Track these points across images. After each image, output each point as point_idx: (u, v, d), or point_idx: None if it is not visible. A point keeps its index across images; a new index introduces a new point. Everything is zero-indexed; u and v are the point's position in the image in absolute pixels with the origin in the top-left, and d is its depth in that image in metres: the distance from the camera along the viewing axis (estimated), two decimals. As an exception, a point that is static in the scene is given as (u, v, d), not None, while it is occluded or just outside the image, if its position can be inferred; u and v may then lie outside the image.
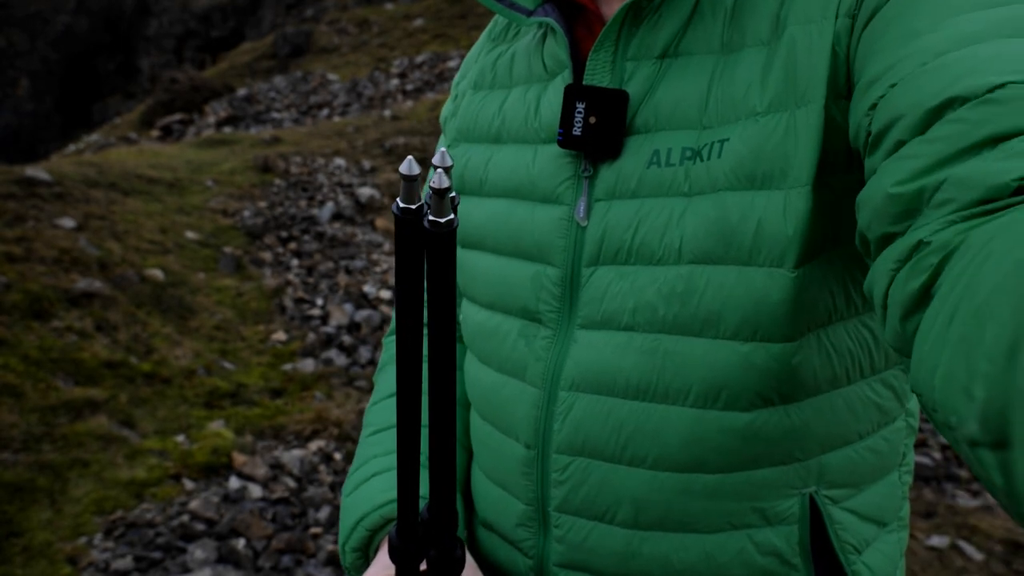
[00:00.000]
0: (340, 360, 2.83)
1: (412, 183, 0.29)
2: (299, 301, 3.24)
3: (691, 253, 0.46)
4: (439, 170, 0.29)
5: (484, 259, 0.55)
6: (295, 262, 3.59)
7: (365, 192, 4.48)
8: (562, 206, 0.51)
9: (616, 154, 0.49)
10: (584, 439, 0.49)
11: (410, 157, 0.29)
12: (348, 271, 3.55)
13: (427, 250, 0.31)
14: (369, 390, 2.62)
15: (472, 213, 0.58)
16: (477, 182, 0.56)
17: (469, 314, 0.56)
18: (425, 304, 0.33)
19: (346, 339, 2.96)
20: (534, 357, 0.52)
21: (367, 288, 3.35)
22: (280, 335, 2.97)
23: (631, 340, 0.48)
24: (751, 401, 0.46)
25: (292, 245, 3.76)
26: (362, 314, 3.12)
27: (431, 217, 0.30)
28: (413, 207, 0.30)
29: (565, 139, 0.49)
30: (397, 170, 5.00)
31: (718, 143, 0.45)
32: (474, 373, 0.57)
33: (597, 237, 0.50)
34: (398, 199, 0.30)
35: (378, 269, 3.59)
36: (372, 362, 2.81)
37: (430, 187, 0.30)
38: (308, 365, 2.77)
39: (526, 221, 0.53)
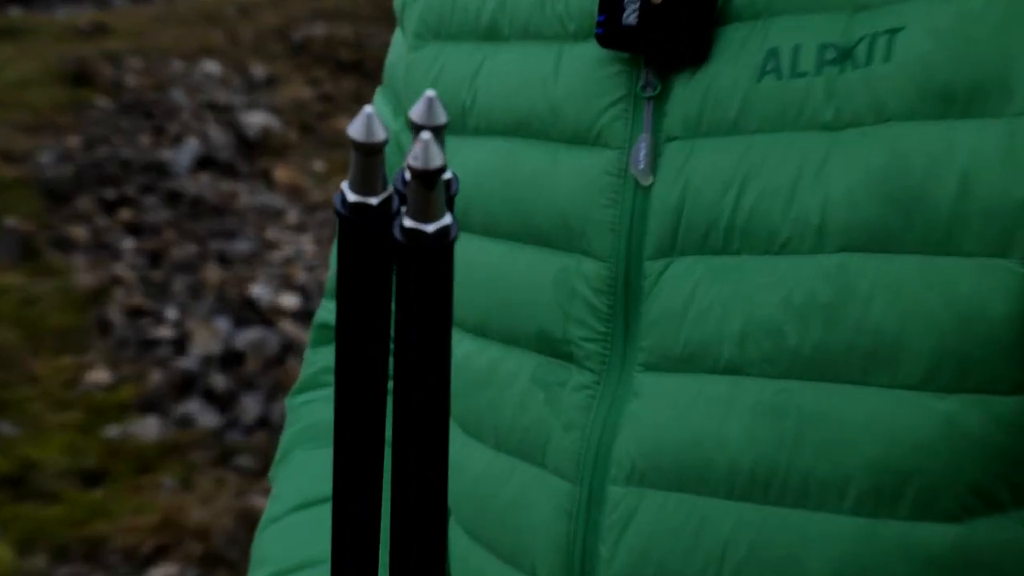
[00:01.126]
0: (206, 418, 2.82)
1: (371, 157, 0.30)
2: (135, 312, 3.21)
3: (842, 232, 0.47)
4: (423, 135, 0.29)
5: (468, 247, 0.57)
6: (129, 243, 3.56)
7: (255, 121, 4.54)
8: (607, 151, 0.53)
9: (701, 57, 0.50)
10: (656, 574, 0.51)
11: (368, 110, 0.29)
12: (223, 260, 3.53)
13: (401, 276, 0.31)
14: (257, 475, 2.61)
15: (449, 164, 0.52)
16: (458, 110, 0.59)
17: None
18: (391, 358, 0.33)
19: (218, 381, 2.94)
20: (562, 423, 0.54)
21: (257, 290, 3.34)
22: (101, 373, 2.94)
23: (738, 391, 0.50)
24: (960, 501, 0.47)
25: (125, 213, 3.74)
26: (247, 336, 3.11)
27: (409, 222, 0.30)
28: (372, 200, 0.30)
29: (608, 32, 0.51)
30: (313, 85, 5.05)
31: (884, 35, 0.47)
32: (452, 453, 0.56)
33: (672, 205, 0.51)
34: (344, 185, 0.30)
35: (277, 256, 3.58)
36: (266, 424, 2.82)
37: (408, 165, 0.30)
38: (150, 427, 2.77)
39: (543, 178, 0.54)
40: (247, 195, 3.95)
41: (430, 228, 0.30)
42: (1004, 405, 0.46)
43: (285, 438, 0.73)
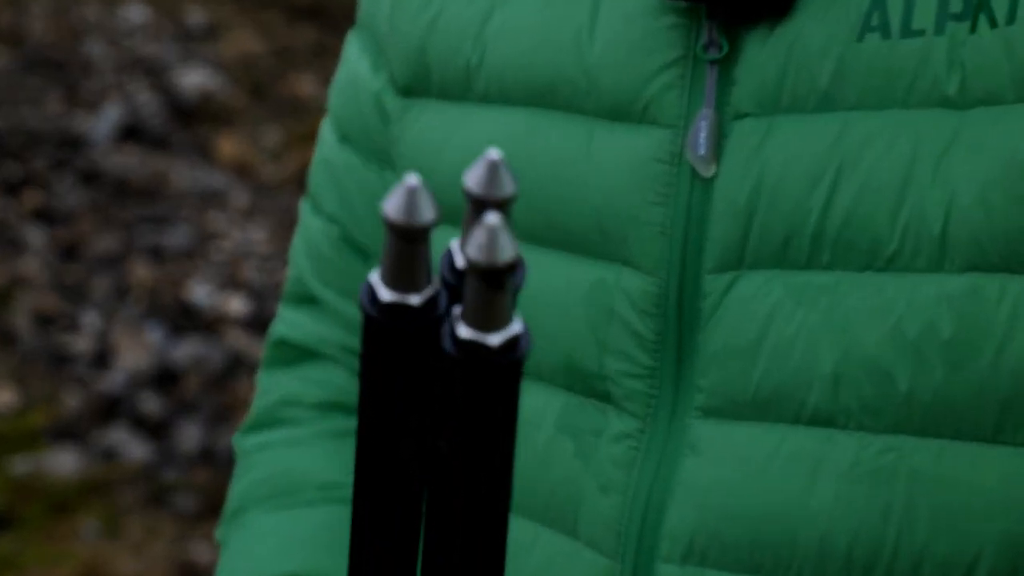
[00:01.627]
0: (135, 450, 2.83)
1: (415, 244, 0.28)
2: (45, 319, 3.22)
3: (971, 245, 0.46)
4: (489, 219, 0.27)
5: None
6: (37, 234, 3.56)
7: (191, 81, 4.45)
8: (657, 129, 0.52)
9: (783, 7, 0.49)
10: None
11: (412, 182, 0.27)
12: (154, 254, 3.53)
13: (452, 396, 0.30)
14: (198, 519, 2.62)
15: (448, 142, 0.59)
16: (459, 69, 0.58)
17: None
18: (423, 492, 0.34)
19: (149, 404, 2.95)
20: (598, 483, 0.53)
21: (196, 292, 3.34)
22: (4, 394, 2.97)
23: (829, 449, 0.49)
24: None
25: (31, 197, 3.74)
26: (185, 348, 3.12)
27: (466, 331, 0.28)
28: (414, 300, 0.29)
29: None
30: (264, 36, 5.04)
31: None
32: None
33: (741, 203, 0.50)
34: (373, 277, 0.29)
35: (221, 250, 3.58)
36: (209, 457, 2.80)
37: (468, 258, 0.28)
38: (66, 461, 2.77)
39: (572, 164, 0.54)
40: (183, 174, 3.92)
41: (495, 340, 0.29)
42: None
43: (237, 490, 0.73)
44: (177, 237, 3.60)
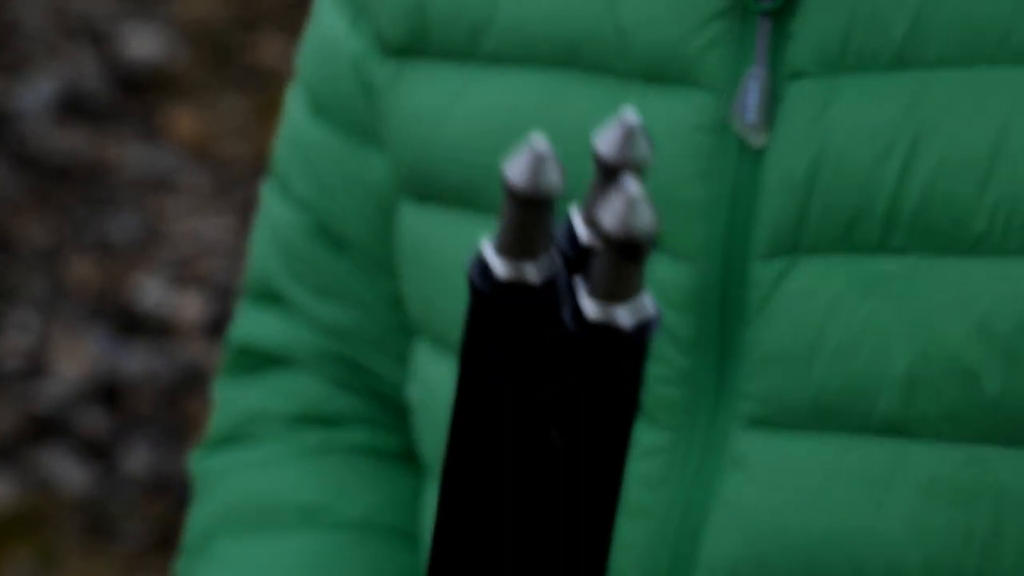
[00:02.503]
0: (76, 475, 2.84)
1: (536, 203, 0.29)
2: None
3: None
4: (628, 186, 0.29)
5: (479, 232, 0.59)
6: None
7: (141, 45, 4.55)
8: (699, 92, 0.53)
9: None
10: None
11: (541, 147, 0.29)
12: (99, 247, 3.54)
13: (570, 380, 0.31)
14: (148, 553, 2.65)
15: (451, 110, 0.60)
16: (466, 26, 0.59)
17: (437, 379, 0.61)
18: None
19: (92, 422, 2.97)
20: (625, 505, 0.56)
21: (147, 291, 3.36)
22: None
23: (902, 462, 0.49)
24: None
25: None
26: (135, 359, 3.14)
27: (593, 308, 0.30)
28: (533, 275, 0.30)
29: None
30: None
31: None
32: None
33: (798, 177, 0.51)
34: (486, 246, 0.30)
35: (174, 242, 3.60)
36: (161, 482, 2.81)
37: (603, 229, 0.30)
38: None
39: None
40: (131, 154, 3.93)
41: (627, 319, 0.30)
42: None
43: (200, 517, 0.72)
44: (124, 227, 3.61)
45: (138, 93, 4.35)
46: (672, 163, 0.52)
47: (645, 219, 0.28)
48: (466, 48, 0.59)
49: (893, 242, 0.49)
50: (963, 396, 0.48)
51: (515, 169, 0.29)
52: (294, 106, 0.72)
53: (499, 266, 0.30)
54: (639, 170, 0.30)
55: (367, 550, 0.68)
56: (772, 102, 0.51)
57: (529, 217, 0.29)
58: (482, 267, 0.30)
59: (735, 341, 0.52)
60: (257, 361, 0.74)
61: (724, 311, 0.52)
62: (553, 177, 0.29)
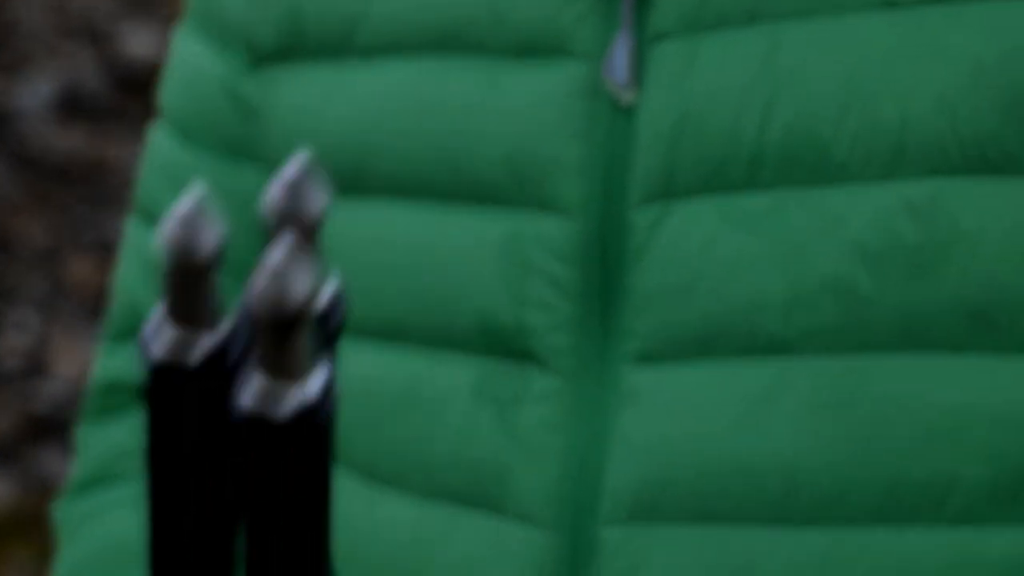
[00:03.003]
0: None
1: (189, 272, 0.27)
2: None
3: (932, 151, 0.50)
4: (273, 250, 0.27)
5: (369, 217, 0.60)
6: None
7: (141, 45, 4.56)
8: (571, 61, 0.55)
9: None
10: None
11: (191, 199, 0.27)
12: (103, 248, 3.56)
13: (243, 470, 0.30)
14: None
15: (328, 106, 0.61)
16: (341, 22, 0.61)
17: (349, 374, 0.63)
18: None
19: None
20: (524, 451, 0.55)
21: None
22: None
23: (787, 379, 0.52)
24: None
25: None
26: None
27: (252, 387, 0.29)
28: (190, 356, 0.29)
29: None
30: None
31: None
32: (358, 510, 0.62)
33: (666, 129, 0.53)
34: (150, 331, 0.29)
35: None
36: None
37: (247, 299, 0.30)
38: None
39: (477, 109, 0.57)
40: (130, 154, 3.93)
41: (285, 409, 0.28)
42: None
43: (67, 562, 0.70)
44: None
45: (138, 93, 4.34)
46: (550, 128, 0.55)
47: (296, 290, 0.26)
48: (342, 43, 0.61)
49: (761, 179, 0.52)
50: (840, 311, 0.51)
51: (167, 232, 0.27)
52: (159, 140, 0.73)
53: (160, 342, 0.28)
54: (310, 224, 0.28)
55: None
56: (639, 63, 0.54)
57: (186, 285, 0.28)
58: (145, 341, 0.28)
59: (619, 285, 0.54)
60: (124, 399, 0.73)
61: (606, 258, 0.54)
62: (206, 242, 0.27)
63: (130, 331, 0.74)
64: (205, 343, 0.28)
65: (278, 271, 0.26)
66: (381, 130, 0.59)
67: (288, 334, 0.27)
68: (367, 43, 0.60)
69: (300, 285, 0.26)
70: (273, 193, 0.28)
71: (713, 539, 0.53)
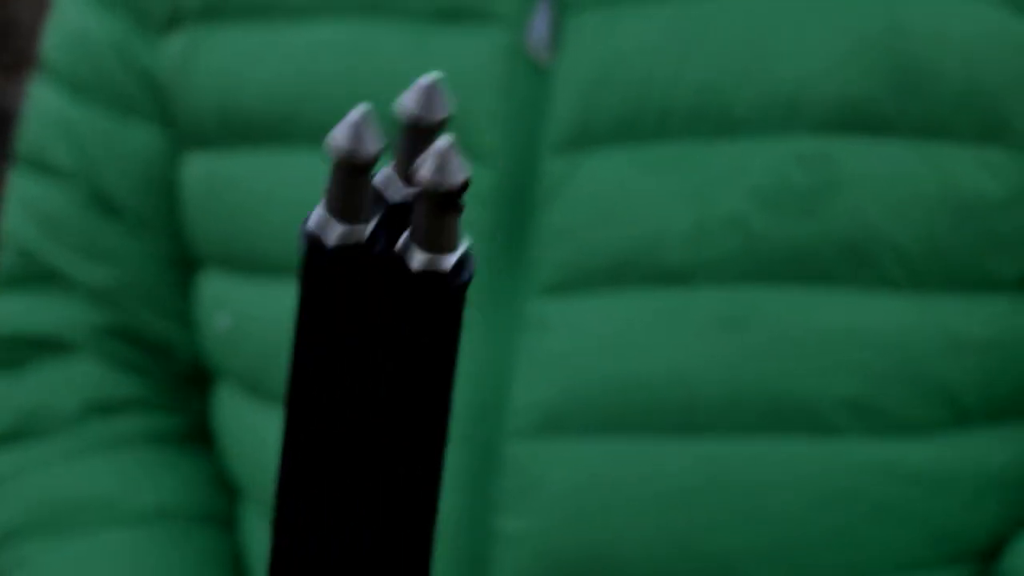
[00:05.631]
0: None
1: (356, 171, 0.31)
2: None
3: (820, 110, 0.55)
4: (441, 143, 0.30)
5: (295, 166, 0.62)
6: None
7: None
8: (493, 27, 0.58)
9: None
10: (591, 544, 0.55)
11: (360, 112, 0.30)
12: None
13: (397, 323, 0.33)
14: None
15: (257, 65, 0.63)
16: None
17: (245, 301, 0.64)
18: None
19: None
20: None
21: None
22: None
23: (687, 304, 0.56)
24: (937, 412, 0.56)
25: None
26: None
27: (420, 255, 0.32)
28: (362, 233, 0.32)
29: None
30: None
31: None
32: (269, 440, 0.63)
33: (582, 85, 0.56)
34: (319, 211, 0.32)
35: None
36: None
37: (419, 183, 0.31)
38: None
39: (406, 72, 0.60)
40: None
41: (448, 262, 0.32)
42: (996, 304, 0.56)
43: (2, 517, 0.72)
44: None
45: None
46: (473, 85, 0.57)
47: (459, 171, 0.30)
48: (270, 5, 0.62)
49: (669, 129, 0.55)
50: (736, 245, 0.55)
51: (337, 137, 0.30)
52: (46, 94, 0.73)
53: (330, 230, 0.31)
54: (443, 125, 0.32)
55: (166, 541, 0.70)
56: (558, 31, 0.57)
57: (353, 182, 0.31)
58: (314, 233, 0.32)
59: (530, 225, 0.57)
60: (27, 352, 0.73)
61: (521, 201, 0.57)
62: (372, 143, 0.30)
63: (24, 279, 0.73)
64: (369, 226, 0.32)
65: (447, 154, 0.30)
66: (309, 86, 0.62)
67: (450, 209, 0.31)
68: (295, 5, 0.61)
69: (462, 166, 0.30)
70: (413, 96, 0.31)
71: (615, 452, 0.57)
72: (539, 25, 0.57)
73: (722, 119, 0.55)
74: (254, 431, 0.65)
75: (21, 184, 0.75)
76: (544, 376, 0.55)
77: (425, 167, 0.30)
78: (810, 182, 0.55)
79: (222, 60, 0.63)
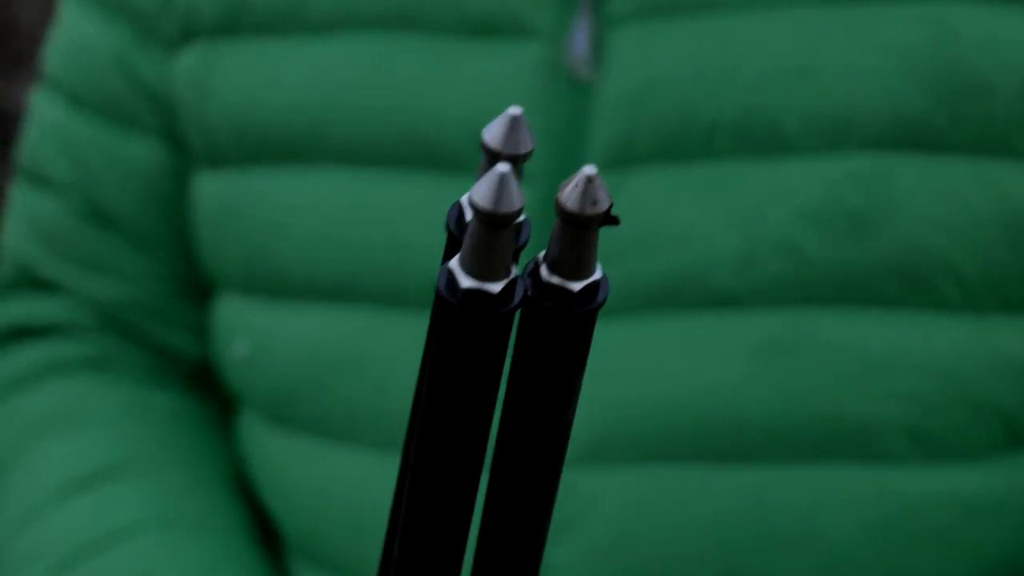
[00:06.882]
0: None
1: (501, 226, 0.31)
2: None
3: (872, 127, 0.54)
4: (587, 171, 0.30)
5: (319, 178, 0.61)
6: None
7: None
8: (530, 41, 0.57)
9: None
10: (629, 574, 0.55)
11: (502, 169, 0.29)
12: None
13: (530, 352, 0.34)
14: None
15: (277, 81, 0.62)
16: (291, 1, 0.61)
17: (266, 326, 0.63)
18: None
19: None
20: None
21: None
22: None
23: (736, 328, 0.55)
24: (993, 436, 0.56)
25: None
26: None
27: (552, 277, 0.33)
28: (497, 281, 0.32)
29: None
30: None
31: None
32: (309, 469, 0.63)
33: (624, 101, 0.55)
34: (456, 264, 0.32)
35: None
36: None
37: (562, 203, 0.31)
38: None
39: (437, 87, 0.58)
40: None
41: (577, 286, 0.32)
42: None
43: (5, 432, 0.71)
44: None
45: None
46: (510, 99, 0.56)
47: (603, 199, 0.31)
48: (289, 21, 0.61)
49: (715, 149, 0.55)
50: (790, 267, 0.55)
51: (478, 191, 0.30)
52: (46, 106, 0.73)
53: (466, 283, 0.31)
54: (527, 158, 0.32)
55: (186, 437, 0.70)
56: (598, 46, 0.55)
57: (495, 236, 0.31)
58: (451, 281, 0.32)
59: None
60: (20, 338, 0.73)
61: None
62: (515, 200, 0.30)
63: (25, 284, 0.73)
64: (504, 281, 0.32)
65: (592, 179, 0.30)
66: (333, 101, 0.60)
67: (588, 233, 0.31)
68: (316, 18, 0.60)
69: (604, 192, 0.30)
70: (495, 128, 0.31)
71: (662, 478, 0.56)
72: (579, 40, 0.55)
73: (770, 137, 0.54)
74: (277, 461, 0.64)
75: (20, 198, 0.75)
76: (591, 402, 0.53)
77: (569, 193, 0.30)
78: (863, 201, 0.54)
79: (239, 77, 0.62)
